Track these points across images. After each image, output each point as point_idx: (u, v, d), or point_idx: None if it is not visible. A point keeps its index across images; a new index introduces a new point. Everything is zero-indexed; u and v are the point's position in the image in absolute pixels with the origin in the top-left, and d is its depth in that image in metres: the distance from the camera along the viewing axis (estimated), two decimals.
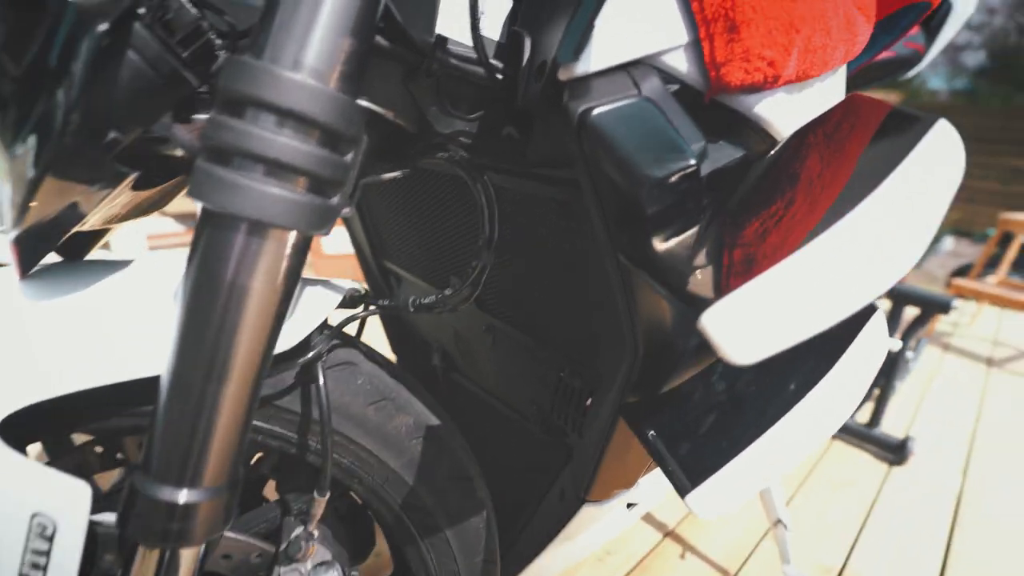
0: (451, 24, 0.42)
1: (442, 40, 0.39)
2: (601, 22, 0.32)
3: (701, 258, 0.30)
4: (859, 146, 0.31)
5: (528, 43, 0.40)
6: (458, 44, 0.42)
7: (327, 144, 0.31)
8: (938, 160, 0.27)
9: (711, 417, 0.37)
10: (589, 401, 0.51)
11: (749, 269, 0.26)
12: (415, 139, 0.45)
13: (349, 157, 0.33)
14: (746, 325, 0.25)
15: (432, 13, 0.41)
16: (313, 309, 0.42)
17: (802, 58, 0.35)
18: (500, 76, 0.42)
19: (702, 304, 0.26)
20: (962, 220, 6.68)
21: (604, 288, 0.41)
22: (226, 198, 0.30)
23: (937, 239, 5.52)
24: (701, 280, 0.29)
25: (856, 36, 0.39)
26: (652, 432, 0.39)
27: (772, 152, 0.36)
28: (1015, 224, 2.72)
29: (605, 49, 0.33)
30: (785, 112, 0.39)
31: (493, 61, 0.42)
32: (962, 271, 3.16)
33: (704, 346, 0.41)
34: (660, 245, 0.32)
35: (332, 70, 0.31)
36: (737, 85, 0.35)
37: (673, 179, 0.32)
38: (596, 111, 0.33)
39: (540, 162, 0.42)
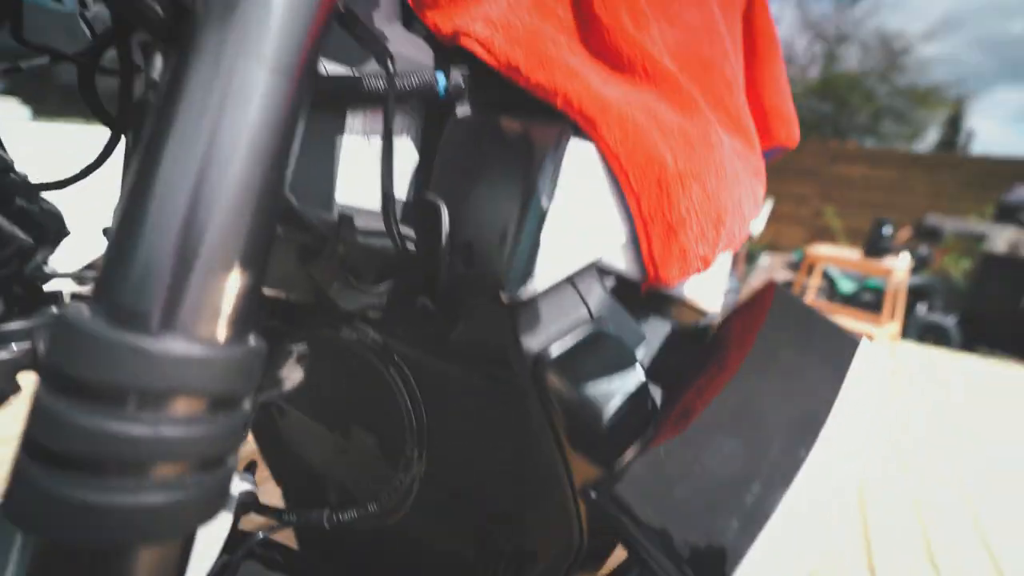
0: (351, 190, 0.36)
1: (347, 219, 0.33)
2: (547, 236, 0.29)
3: (669, 512, 0.28)
4: (783, 360, 0.32)
5: (445, 217, 0.35)
6: (364, 214, 0.36)
7: (221, 409, 0.24)
8: (867, 390, 0.29)
9: None
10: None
11: (731, 544, 0.25)
12: (310, 318, 0.38)
13: (247, 405, 0.26)
14: None
15: (331, 186, 0.35)
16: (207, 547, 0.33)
17: (725, 245, 0.36)
18: (412, 247, 0.37)
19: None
20: (773, 239, 8.00)
21: (543, 472, 0.38)
22: (78, 526, 0.21)
23: (754, 257, 6.42)
24: (681, 535, 0.26)
25: (758, 205, 0.41)
26: None
27: (703, 350, 0.35)
28: (817, 257, 3.31)
29: (551, 266, 0.30)
30: (703, 287, 0.39)
31: (405, 230, 0.37)
32: None
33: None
34: (618, 470, 0.30)
35: (218, 319, 0.23)
36: (675, 281, 0.34)
37: (628, 400, 0.30)
38: (553, 355, 0.29)
39: (467, 349, 0.37)
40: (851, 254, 3.37)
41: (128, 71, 0.35)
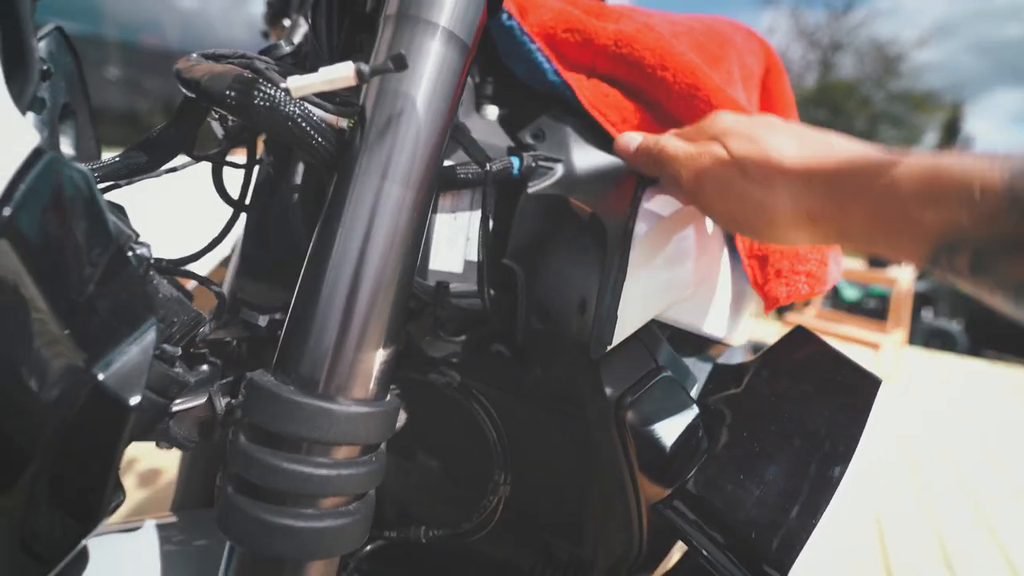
0: (440, 258, 0.43)
1: (444, 286, 0.40)
2: (623, 307, 0.36)
3: (726, 519, 0.34)
4: (814, 395, 0.38)
5: (521, 281, 0.42)
6: (451, 277, 0.43)
7: (367, 454, 0.31)
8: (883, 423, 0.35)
9: None
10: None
11: (779, 546, 0.31)
12: (404, 366, 0.45)
13: (383, 446, 0.33)
14: None
15: (427, 257, 0.42)
16: None
17: (836, 267, 0.45)
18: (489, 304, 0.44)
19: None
20: None
21: (609, 490, 0.44)
22: (264, 540, 0.28)
23: None
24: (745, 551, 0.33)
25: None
26: None
27: (740, 384, 0.42)
28: None
29: (624, 328, 0.36)
30: (725, 321, 0.46)
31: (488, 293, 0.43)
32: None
33: None
34: (680, 487, 0.36)
35: (369, 382, 0.30)
36: (786, 299, 0.42)
37: (686, 432, 0.37)
38: (631, 404, 0.36)
39: (541, 389, 0.44)
40: (853, 264, 3.43)
41: (251, 164, 0.42)
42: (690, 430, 0.37)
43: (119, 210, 0.47)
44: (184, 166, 0.39)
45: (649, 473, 0.37)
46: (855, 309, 4.59)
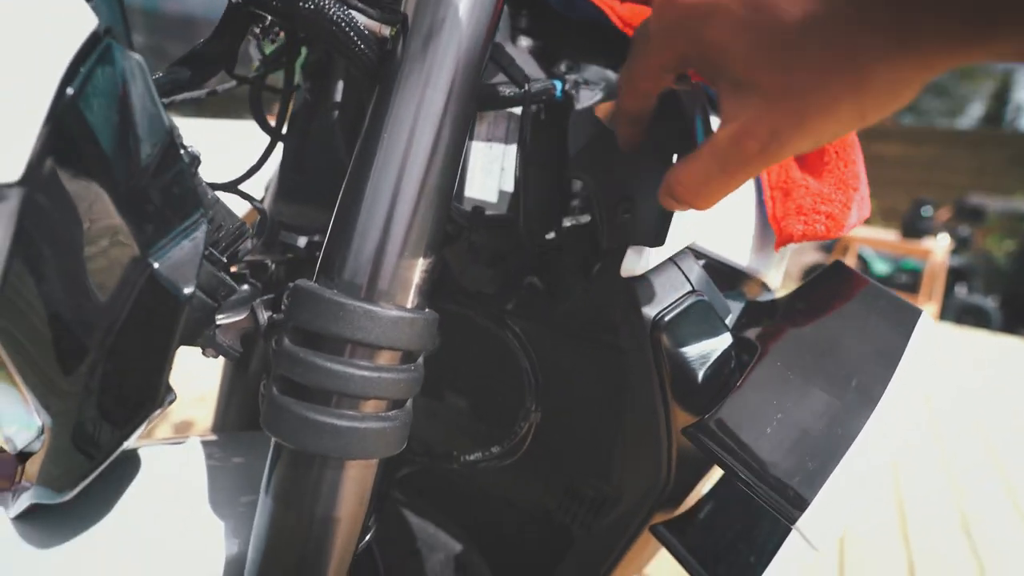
0: (475, 186, 0.43)
1: (480, 210, 0.40)
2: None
3: (761, 440, 0.34)
4: (850, 323, 0.38)
5: (593, 188, 0.42)
6: (487, 207, 0.43)
7: (407, 362, 0.31)
8: (924, 355, 0.35)
9: (751, 524, 0.40)
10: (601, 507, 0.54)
11: (816, 465, 0.31)
12: (441, 294, 0.45)
13: (421, 359, 0.33)
14: (832, 519, 0.30)
15: (462, 184, 0.42)
16: None
17: (857, 213, 0.43)
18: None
19: (781, 499, 0.31)
20: None
21: (641, 420, 0.44)
22: (307, 438, 0.29)
23: None
24: (774, 470, 0.33)
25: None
26: (686, 550, 0.43)
27: (774, 316, 0.41)
28: (851, 239, 3.30)
29: (666, 245, 0.36)
30: (770, 268, 0.46)
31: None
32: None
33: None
34: (715, 412, 0.36)
35: (410, 291, 0.31)
36: (799, 237, 0.41)
37: (721, 357, 0.37)
38: (668, 320, 0.36)
39: (575, 324, 0.44)
40: (887, 235, 3.34)
41: (289, 90, 0.42)
42: (723, 356, 0.37)
43: None
44: (225, 89, 0.39)
45: (682, 398, 0.37)
46: (886, 283, 4.48)
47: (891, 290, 0.39)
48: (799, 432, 0.33)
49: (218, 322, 0.34)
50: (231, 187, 0.40)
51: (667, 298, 0.36)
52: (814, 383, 0.36)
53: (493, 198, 0.44)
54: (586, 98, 0.44)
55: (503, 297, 0.46)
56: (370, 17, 0.29)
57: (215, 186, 0.38)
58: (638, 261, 0.35)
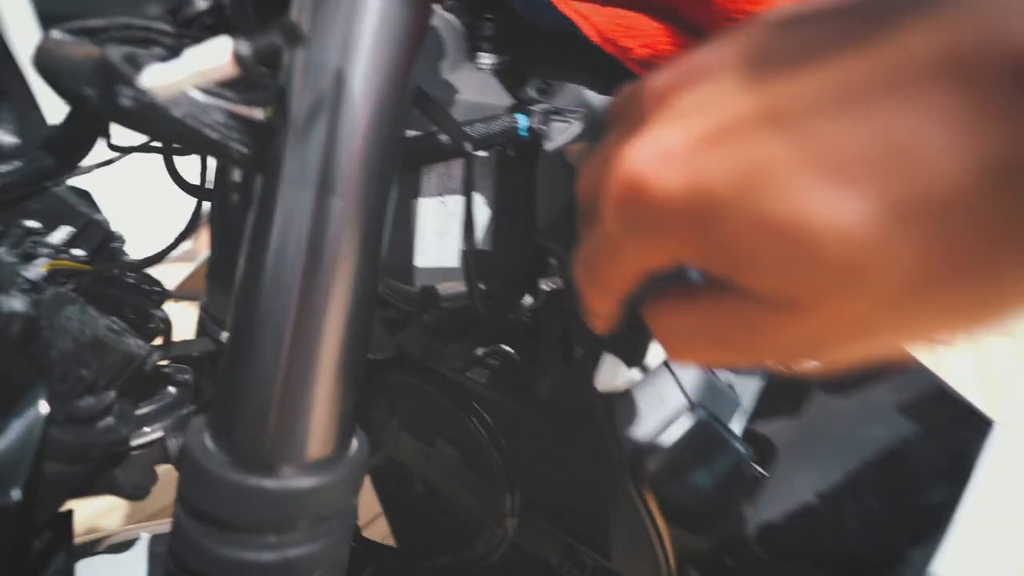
0: (428, 251, 0.36)
1: (430, 292, 0.33)
2: None
3: None
4: (904, 423, 0.30)
5: (562, 260, 0.34)
6: (443, 273, 0.36)
7: (334, 518, 0.26)
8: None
9: None
10: None
11: None
12: (391, 372, 0.39)
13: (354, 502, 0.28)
14: None
15: (409, 253, 0.35)
16: None
17: None
18: (491, 301, 0.37)
19: None
20: None
21: (632, 521, 0.38)
22: None
23: None
24: None
25: None
26: None
27: (799, 409, 0.33)
28: None
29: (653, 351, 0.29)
30: None
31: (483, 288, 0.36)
32: None
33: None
34: (728, 541, 0.30)
35: (325, 438, 0.25)
36: None
37: (728, 479, 0.29)
38: (656, 453, 0.29)
39: (556, 405, 0.37)
40: None
41: (204, 158, 0.35)
42: (735, 475, 0.30)
43: (83, 196, 0.42)
44: (118, 158, 0.33)
45: (675, 522, 0.30)
46: None
47: (953, 390, 0.30)
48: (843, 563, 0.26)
49: (131, 449, 0.29)
50: (145, 265, 0.34)
51: (654, 421, 0.29)
52: (862, 503, 0.29)
53: (454, 261, 0.36)
54: (558, 133, 0.35)
55: (472, 371, 0.39)
56: (233, 101, 0.22)
57: (144, 263, 0.33)
58: (615, 375, 0.28)
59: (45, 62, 0.21)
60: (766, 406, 0.34)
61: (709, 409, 0.30)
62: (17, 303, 0.21)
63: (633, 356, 0.27)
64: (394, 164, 0.25)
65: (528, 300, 0.38)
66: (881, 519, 0.27)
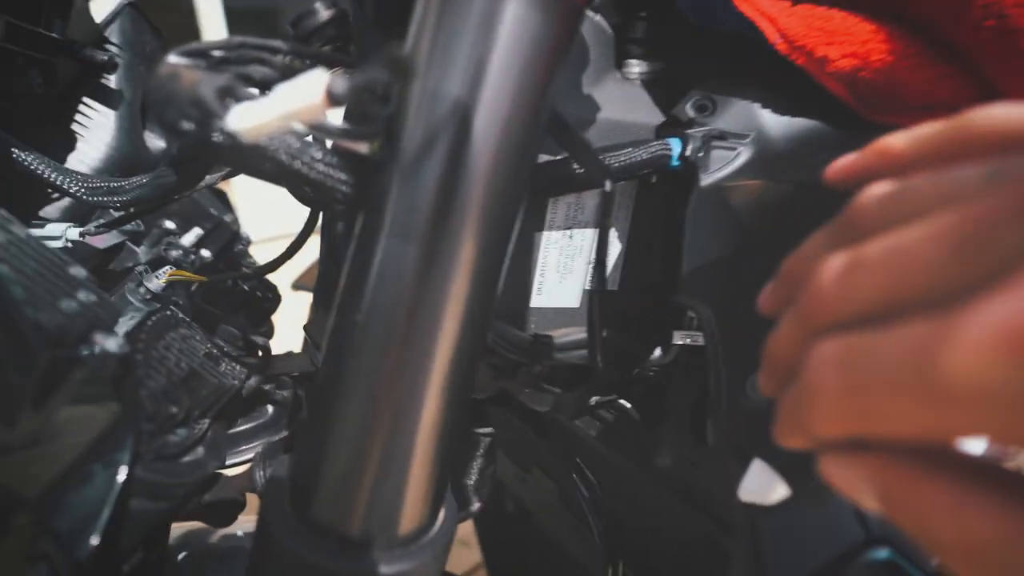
0: (548, 289, 0.31)
1: (545, 342, 0.29)
2: None
3: None
4: None
5: (710, 327, 0.29)
6: (563, 316, 0.31)
7: None
8: None
9: None
10: None
11: None
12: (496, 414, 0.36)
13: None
14: None
15: (525, 294, 0.31)
16: None
17: None
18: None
19: None
20: None
21: None
22: None
23: None
24: None
25: None
26: None
27: None
28: None
29: None
30: None
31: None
32: None
33: None
34: None
35: (419, 515, 0.22)
36: None
37: None
38: None
39: (676, 481, 0.31)
40: None
41: None
42: None
43: (218, 196, 0.43)
44: (234, 173, 0.32)
45: None
46: None
47: None
48: None
49: (226, 468, 0.29)
50: (263, 272, 0.33)
51: (818, 553, 0.22)
52: None
53: (574, 302, 0.32)
54: (719, 163, 0.29)
55: (582, 419, 0.35)
56: (337, 134, 0.19)
57: (247, 275, 0.32)
58: (768, 487, 0.22)
59: (156, 90, 0.20)
60: None
61: (897, 544, 0.22)
62: (112, 343, 0.20)
63: (798, 477, 0.20)
64: (518, 207, 0.21)
65: (657, 354, 0.32)
66: None
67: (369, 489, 0.21)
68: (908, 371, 0.10)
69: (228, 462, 0.29)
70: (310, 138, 0.19)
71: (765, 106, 0.29)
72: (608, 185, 0.23)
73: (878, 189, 0.14)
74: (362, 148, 0.20)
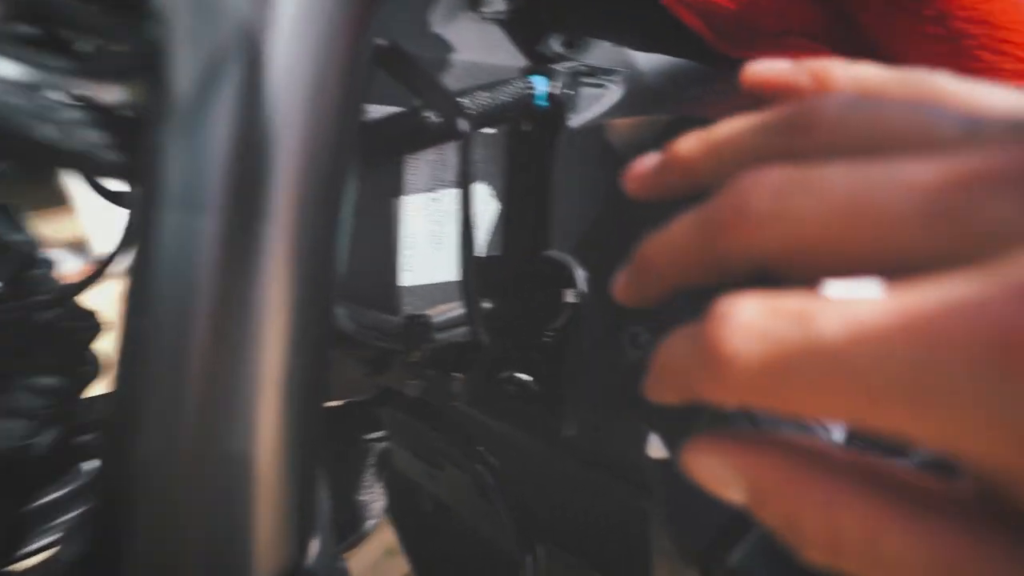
0: (418, 264, 0.28)
1: (420, 324, 0.25)
2: None
3: None
4: None
5: (581, 279, 0.26)
6: (439, 291, 0.28)
7: None
8: None
9: None
10: None
11: None
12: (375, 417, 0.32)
13: None
14: None
15: (391, 271, 0.26)
16: None
17: None
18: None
19: None
20: None
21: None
22: None
23: None
24: None
25: None
26: None
27: None
28: None
29: None
30: None
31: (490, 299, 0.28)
32: None
33: None
34: None
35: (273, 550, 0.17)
36: None
37: None
38: (740, 548, 0.20)
39: (583, 455, 0.29)
40: None
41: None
42: None
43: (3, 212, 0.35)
44: None
45: None
46: None
47: None
48: None
49: None
50: (48, 305, 0.27)
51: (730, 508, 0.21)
52: None
53: (453, 274, 0.28)
54: (590, 102, 0.26)
55: (477, 404, 0.32)
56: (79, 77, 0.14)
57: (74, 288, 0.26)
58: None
59: None
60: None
61: None
62: None
63: (676, 439, 0.19)
64: (345, 161, 0.17)
65: (549, 318, 0.29)
66: None
67: (195, 542, 0.16)
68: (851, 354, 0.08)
69: (21, 551, 0.22)
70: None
71: (632, 42, 0.27)
72: (463, 124, 0.20)
73: (843, 99, 0.11)
74: (115, 95, 0.14)
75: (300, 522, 0.18)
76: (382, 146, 0.24)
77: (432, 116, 0.23)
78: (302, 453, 0.17)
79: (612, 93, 0.26)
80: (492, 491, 0.30)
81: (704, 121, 0.23)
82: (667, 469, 0.21)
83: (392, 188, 0.25)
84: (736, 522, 0.21)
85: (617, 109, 0.26)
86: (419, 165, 0.26)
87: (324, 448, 0.24)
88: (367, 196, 0.25)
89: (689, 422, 0.21)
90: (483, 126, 0.25)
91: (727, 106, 0.22)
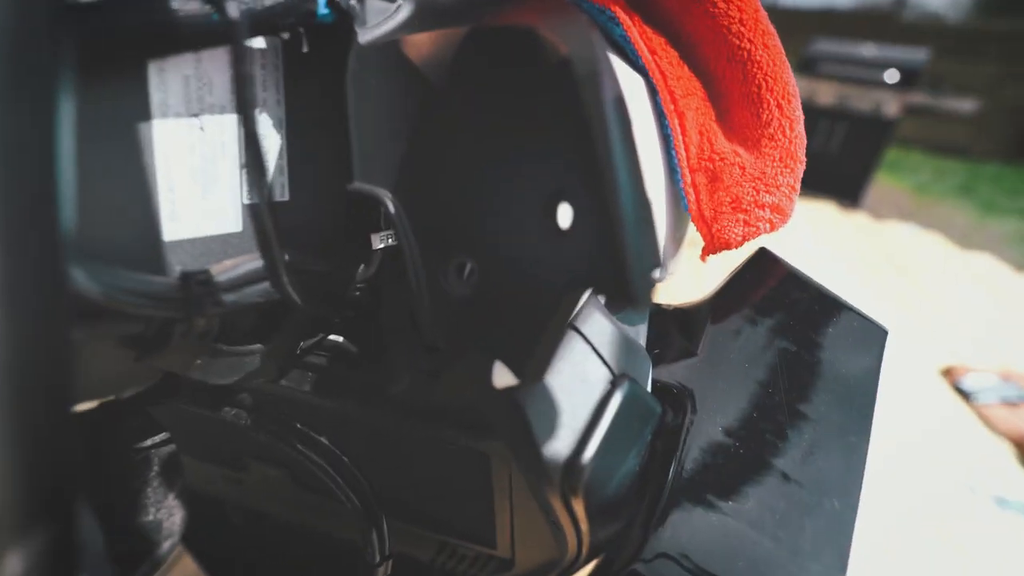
0: (187, 211, 0.22)
1: (198, 280, 0.20)
2: None
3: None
4: (805, 355, 0.28)
5: (399, 215, 0.23)
6: (226, 244, 0.22)
7: None
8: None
9: None
10: None
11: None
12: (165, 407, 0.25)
13: None
14: None
15: (153, 224, 0.20)
16: None
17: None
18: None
19: None
20: None
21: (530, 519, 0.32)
22: None
23: None
24: None
25: None
26: None
27: (695, 350, 0.29)
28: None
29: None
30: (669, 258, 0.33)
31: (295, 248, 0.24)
32: None
33: None
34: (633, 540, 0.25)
35: None
36: (739, 241, 0.26)
37: (638, 473, 0.24)
38: (588, 461, 0.20)
39: (416, 414, 0.27)
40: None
41: None
42: (642, 467, 0.25)
43: None
44: None
45: (601, 525, 0.24)
46: None
47: (844, 300, 0.29)
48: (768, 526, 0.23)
49: None
50: None
51: (580, 411, 0.21)
52: (770, 454, 0.26)
53: (234, 225, 0.23)
54: (378, 15, 0.23)
55: (289, 379, 0.27)
56: None
57: None
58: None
59: None
60: (661, 351, 0.29)
61: (631, 375, 0.23)
62: None
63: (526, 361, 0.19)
64: (44, 62, 0.12)
65: (360, 268, 0.26)
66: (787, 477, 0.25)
67: None
68: None
69: None
70: None
71: None
72: (232, 9, 0.16)
73: None
74: None
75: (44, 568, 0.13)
76: (114, 47, 0.18)
77: (179, 10, 0.18)
78: (38, 481, 0.12)
79: (404, 7, 0.24)
80: (325, 471, 0.27)
81: (500, 31, 0.22)
82: (515, 393, 0.21)
83: (134, 109, 0.19)
84: (584, 435, 0.22)
85: (410, 24, 0.24)
86: (170, 80, 0.20)
87: (81, 469, 0.17)
88: (97, 119, 0.18)
89: (539, 341, 0.21)
90: (257, 35, 0.20)
91: (522, 15, 0.22)
